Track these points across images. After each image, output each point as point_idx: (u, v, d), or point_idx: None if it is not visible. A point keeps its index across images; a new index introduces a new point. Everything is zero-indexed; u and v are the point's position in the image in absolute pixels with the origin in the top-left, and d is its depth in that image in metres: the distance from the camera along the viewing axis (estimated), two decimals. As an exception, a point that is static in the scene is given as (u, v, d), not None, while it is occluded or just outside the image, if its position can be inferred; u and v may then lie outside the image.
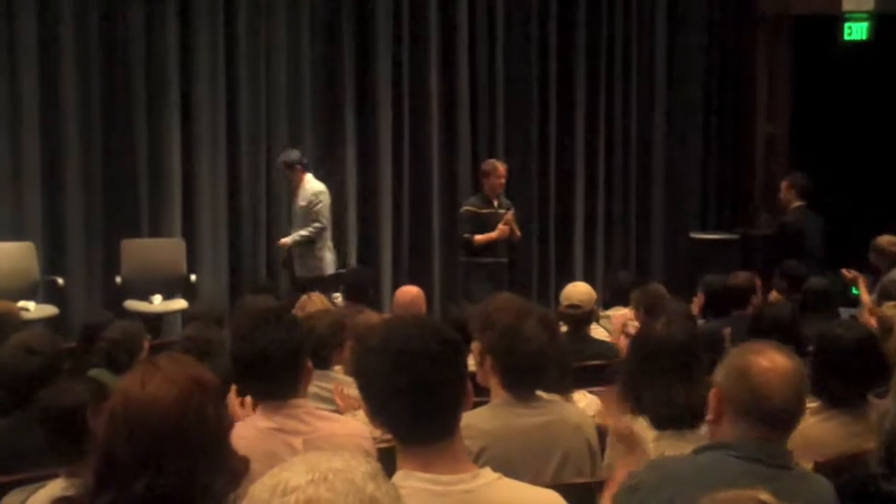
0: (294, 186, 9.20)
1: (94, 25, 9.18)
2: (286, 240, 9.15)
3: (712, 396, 2.67)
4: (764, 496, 1.58)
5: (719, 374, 2.66)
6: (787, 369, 2.59)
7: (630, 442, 3.06)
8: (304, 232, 9.06)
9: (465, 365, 2.31)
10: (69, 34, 9.05)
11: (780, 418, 2.58)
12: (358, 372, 2.28)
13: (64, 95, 9.08)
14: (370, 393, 2.23)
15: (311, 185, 9.12)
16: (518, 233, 9.11)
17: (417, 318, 2.30)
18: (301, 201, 9.09)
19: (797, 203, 9.32)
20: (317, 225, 9.07)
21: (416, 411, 2.15)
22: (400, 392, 2.14)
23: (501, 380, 3.48)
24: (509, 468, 2.35)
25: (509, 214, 8.97)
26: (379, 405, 2.20)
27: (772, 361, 2.58)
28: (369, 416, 2.26)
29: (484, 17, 11.08)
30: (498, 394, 3.51)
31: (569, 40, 11.50)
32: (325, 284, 8.65)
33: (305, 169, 9.15)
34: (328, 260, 9.23)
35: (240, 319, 5.10)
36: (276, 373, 3.21)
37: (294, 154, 9.15)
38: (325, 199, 9.16)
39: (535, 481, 2.46)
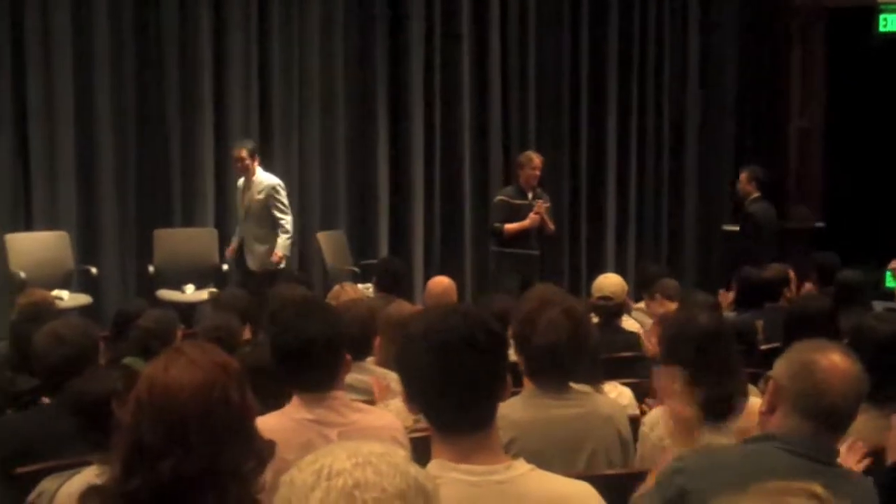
0: (247, 178, 8.83)
1: (127, 18, 9.24)
2: (282, 253, 8.81)
3: (769, 388, 2.68)
4: (818, 489, 1.56)
5: (778, 368, 2.68)
6: (849, 371, 2.61)
7: (688, 426, 3.04)
8: (286, 236, 8.82)
9: (507, 357, 2.31)
10: (103, 26, 9.12)
11: (837, 417, 2.61)
12: (400, 360, 2.28)
13: (98, 87, 9.15)
14: (411, 381, 2.23)
15: (267, 176, 8.88)
16: (551, 226, 9.05)
17: (462, 308, 2.30)
18: (257, 194, 8.79)
19: (756, 194, 9.39)
20: (288, 218, 8.86)
21: (456, 402, 2.15)
22: (441, 381, 2.14)
23: (524, 369, 3.48)
24: (540, 459, 2.35)
25: (541, 204, 8.92)
26: (419, 393, 2.21)
27: (835, 361, 2.60)
28: (408, 402, 2.26)
29: (516, 8, 11.06)
30: (528, 384, 3.51)
31: (601, 33, 11.49)
32: (278, 278, 8.61)
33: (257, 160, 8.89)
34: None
35: (281, 311, 5.12)
36: (317, 364, 3.20)
37: (251, 144, 8.89)
38: (284, 190, 8.94)
39: (566, 473, 2.46)
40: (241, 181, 8.93)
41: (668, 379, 3.08)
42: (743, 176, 9.51)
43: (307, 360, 3.20)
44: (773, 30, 12.09)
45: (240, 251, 9.07)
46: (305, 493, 1.42)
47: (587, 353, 3.62)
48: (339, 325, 3.36)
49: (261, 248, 8.88)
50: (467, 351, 2.14)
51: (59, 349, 3.94)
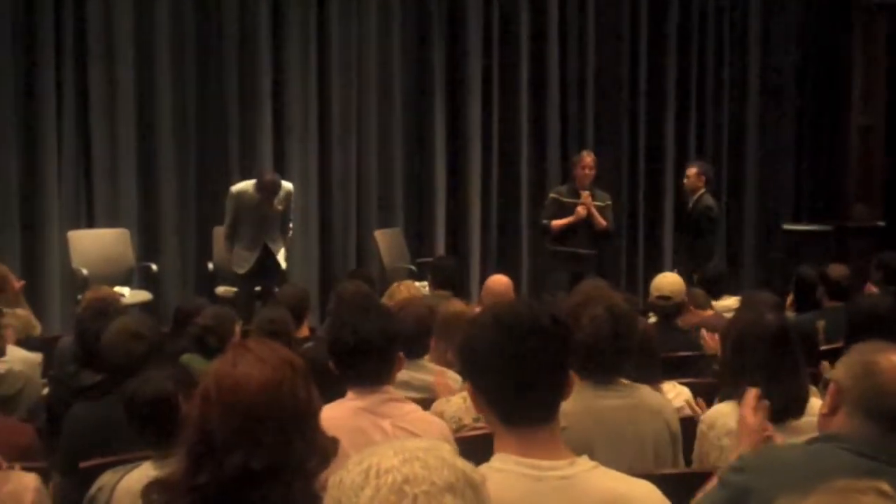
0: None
1: (189, 18, 9.34)
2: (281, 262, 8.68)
3: (829, 390, 2.66)
4: (886, 487, 1.55)
5: (839, 370, 2.65)
6: None
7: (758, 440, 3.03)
8: (287, 237, 8.76)
9: (570, 346, 2.30)
10: (164, 27, 9.22)
11: None
12: (466, 350, 2.27)
13: (159, 87, 9.25)
14: (476, 371, 2.23)
15: (285, 183, 8.62)
16: (601, 221, 8.79)
17: (527, 300, 2.32)
18: (278, 204, 8.49)
19: (703, 189, 9.31)
20: (291, 224, 8.78)
21: (522, 389, 2.15)
22: (507, 368, 2.14)
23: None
24: (590, 450, 2.35)
25: (587, 196, 8.77)
26: (485, 383, 2.20)
27: None
28: (473, 394, 2.26)
29: (575, 7, 11.03)
30: (575, 378, 3.49)
31: (660, 30, 11.41)
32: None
33: None
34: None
35: (340, 307, 5.18)
36: (371, 360, 3.29)
37: None
38: None
39: (616, 462, 2.45)
40: (247, 189, 8.45)
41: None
42: (693, 171, 9.36)
43: (361, 355, 3.28)
44: (833, 27, 11.95)
45: (263, 256, 8.61)
46: (355, 492, 1.44)
47: (631, 352, 3.58)
48: (393, 323, 3.44)
49: (280, 252, 8.71)
50: (533, 336, 2.15)
51: (136, 345, 3.96)
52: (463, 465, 1.50)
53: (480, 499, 1.48)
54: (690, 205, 9.41)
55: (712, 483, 2.84)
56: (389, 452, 1.48)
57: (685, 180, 9.47)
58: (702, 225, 9.27)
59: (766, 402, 3.04)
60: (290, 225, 8.79)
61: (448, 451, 1.51)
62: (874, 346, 2.67)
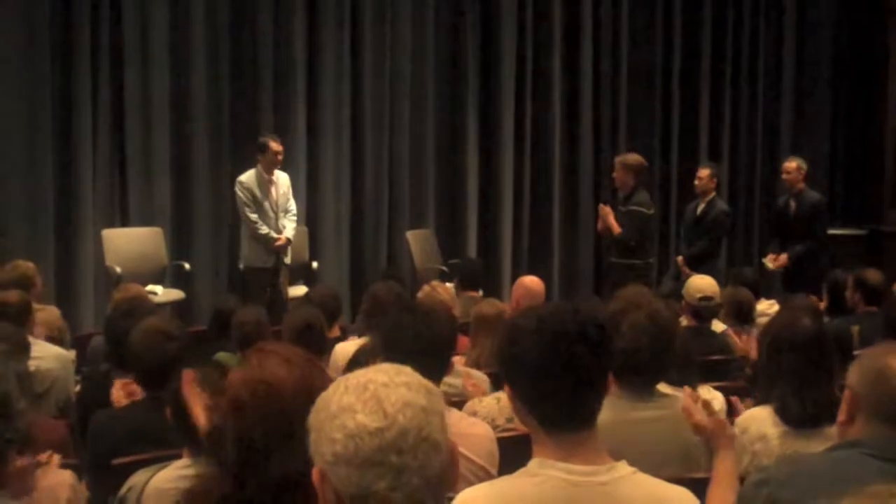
0: (270, 174, 8.54)
1: (223, 19, 9.38)
2: (288, 235, 8.63)
3: (846, 397, 2.61)
4: None
5: (853, 376, 2.60)
6: None
7: (725, 437, 3.00)
8: (294, 220, 8.72)
9: (612, 353, 2.30)
10: (199, 27, 9.26)
11: None
12: (507, 354, 2.26)
13: (193, 87, 9.29)
14: (518, 375, 2.23)
15: (281, 172, 8.69)
16: (616, 229, 8.38)
17: (571, 304, 2.30)
18: (282, 189, 8.61)
19: (714, 192, 9.09)
20: (294, 210, 8.76)
21: (565, 395, 2.15)
22: (552, 374, 2.15)
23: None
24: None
25: (602, 207, 8.58)
26: (527, 387, 2.20)
27: None
28: (514, 399, 2.25)
29: (609, 8, 11.00)
30: (612, 386, 3.48)
31: (694, 31, 11.38)
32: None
33: None
34: None
35: (377, 308, 5.18)
36: (432, 366, 3.18)
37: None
38: None
39: (657, 474, 2.44)
40: (253, 176, 8.55)
41: None
42: (706, 172, 9.05)
43: (424, 361, 3.17)
44: (869, 31, 11.87)
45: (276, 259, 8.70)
46: (328, 400, 1.66)
47: (671, 358, 3.56)
48: (453, 328, 3.38)
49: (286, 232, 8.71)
50: (579, 344, 2.16)
51: (167, 345, 3.97)
52: (422, 378, 1.68)
53: (434, 400, 1.65)
54: (701, 209, 9.09)
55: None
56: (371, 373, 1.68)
57: (696, 182, 9.14)
58: (714, 232, 9.02)
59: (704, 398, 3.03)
60: (294, 210, 8.73)
61: (409, 371, 1.70)
62: (885, 349, 2.62)
